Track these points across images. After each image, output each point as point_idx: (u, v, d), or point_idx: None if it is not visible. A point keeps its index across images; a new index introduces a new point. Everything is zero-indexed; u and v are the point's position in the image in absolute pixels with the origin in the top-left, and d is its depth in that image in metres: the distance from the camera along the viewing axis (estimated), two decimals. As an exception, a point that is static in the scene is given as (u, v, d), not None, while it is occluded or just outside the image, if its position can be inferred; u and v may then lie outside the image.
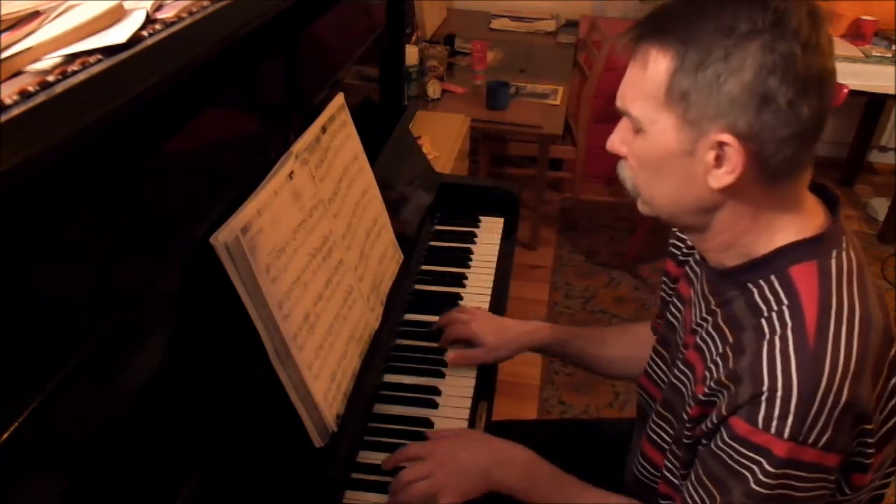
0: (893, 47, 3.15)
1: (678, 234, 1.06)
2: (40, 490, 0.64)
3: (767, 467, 0.75)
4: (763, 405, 0.75)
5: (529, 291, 2.86)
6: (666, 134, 0.79)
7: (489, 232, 1.58)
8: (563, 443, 1.31)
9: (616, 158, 0.88)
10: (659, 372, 1.06)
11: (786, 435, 0.73)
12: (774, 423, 0.74)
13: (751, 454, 0.76)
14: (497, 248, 1.54)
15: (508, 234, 1.59)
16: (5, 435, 0.57)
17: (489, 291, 1.41)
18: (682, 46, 0.75)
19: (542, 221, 3.21)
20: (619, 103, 0.83)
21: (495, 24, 3.65)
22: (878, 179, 3.82)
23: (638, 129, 0.81)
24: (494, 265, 1.49)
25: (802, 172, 0.81)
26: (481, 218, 1.62)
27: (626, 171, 0.87)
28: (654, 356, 1.08)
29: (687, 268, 1.02)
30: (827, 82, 0.75)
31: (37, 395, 0.61)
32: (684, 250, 1.05)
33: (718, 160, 0.77)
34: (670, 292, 1.07)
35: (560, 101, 2.91)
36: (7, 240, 0.56)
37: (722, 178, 0.77)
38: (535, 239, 3.13)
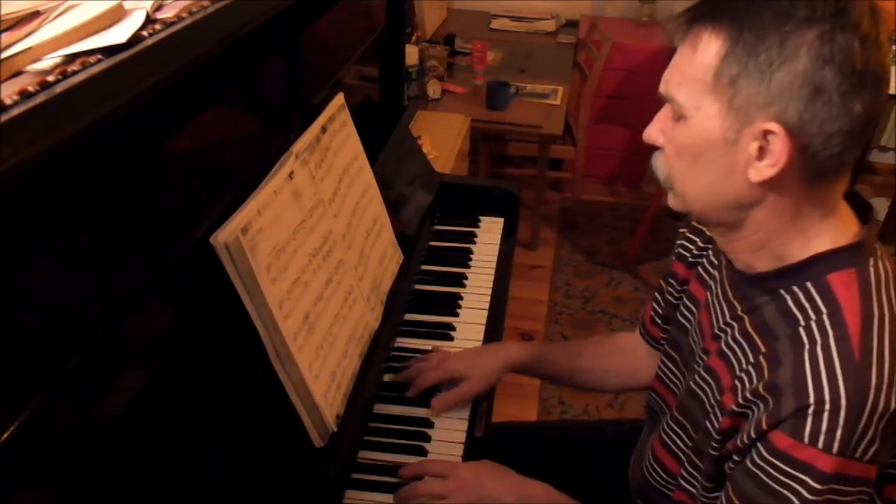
0: (894, 47, 3.15)
1: (688, 234, 1.04)
2: (40, 490, 0.64)
3: (813, 484, 0.72)
4: (810, 419, 0.71)
5: (529, 291, 2.86)
6: (709, 121, 0.76)
7: (489, 232, 1.58)
8: (564, 443, 1.31)
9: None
10: (671, 376, 1.04)
11: (834, 450, 0.71)
12: (822, 437, 0.71)
13: (793, 472, 0.73)
14: (497, 248, 1.54)
15: (508, 234, 1.59)
16: (5, 435, 0.57)
17: (489, 291, 1.41)
18: (736, 31, 0.73)
19: (542, 221, 3.21)
20: (662, 88, 0.80)
21: (495, 24, 3.65)
22: (878, 179, 3.82)
23: (679, 116, 0.79)
24: (494, 265, 1.48)
25: (843, 176, 0.78)
26: (481, 218, 1.62)
27: (660, 162, 0.84)
28: (665, 359, 1.06)
29: (699, 269, 1.00)
30: (883, 80, 0.73)
31: (36, 396, 0.61)
32: (695, 252, 1.02)
33: (762, 151, 0.74)
34: (678, 294, 1.05)
35: (560, 101, 2.91)
36: (7, 240, 0.56)
37: (763, 170, 0.74)
38: (535, 239, 3.13)
